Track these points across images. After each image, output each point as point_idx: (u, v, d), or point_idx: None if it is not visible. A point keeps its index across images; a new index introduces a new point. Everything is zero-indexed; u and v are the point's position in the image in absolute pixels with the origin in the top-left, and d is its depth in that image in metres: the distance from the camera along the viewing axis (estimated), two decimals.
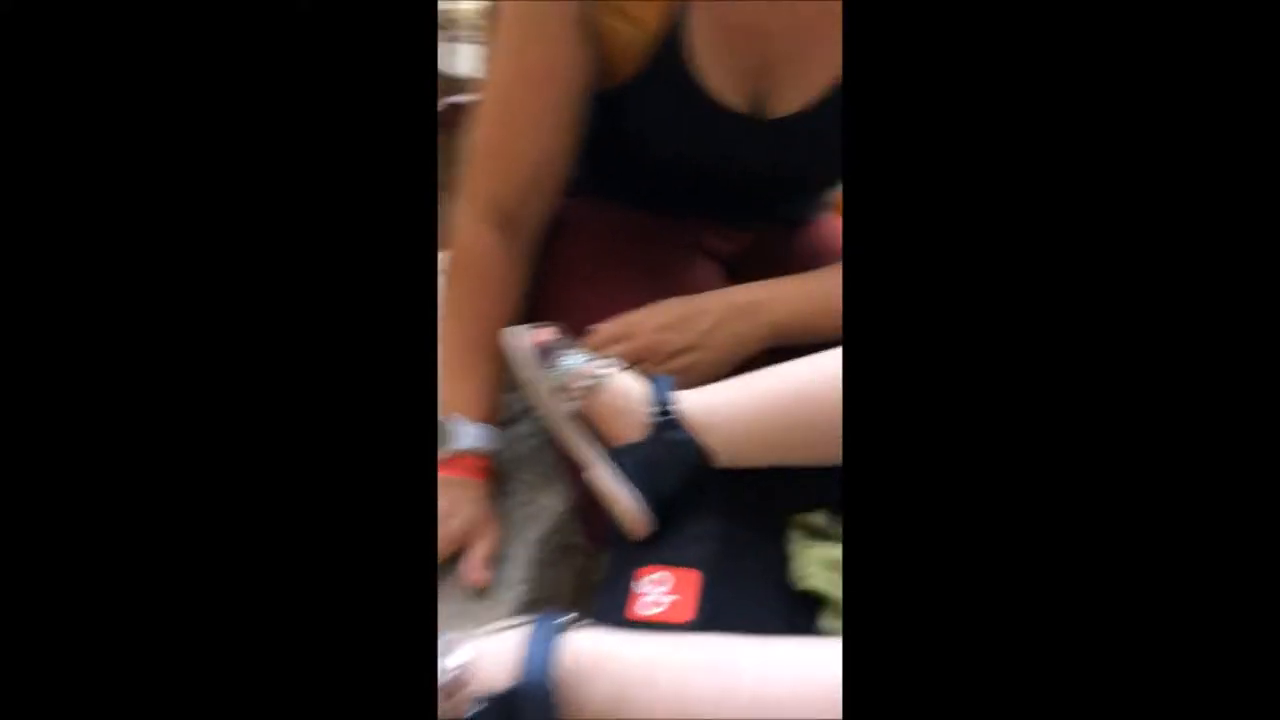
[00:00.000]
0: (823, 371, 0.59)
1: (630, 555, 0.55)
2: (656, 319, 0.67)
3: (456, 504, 0.64)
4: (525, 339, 0.62)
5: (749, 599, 0.53)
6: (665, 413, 0.57)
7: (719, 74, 0.70)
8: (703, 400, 0.59)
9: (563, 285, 0.74)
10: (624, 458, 0.57)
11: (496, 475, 0.70)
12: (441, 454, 0.66)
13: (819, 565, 0.55)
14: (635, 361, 0.66)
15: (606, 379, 0.59)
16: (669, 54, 0.68)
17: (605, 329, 0.67)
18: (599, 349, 0.66)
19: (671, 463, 0.56)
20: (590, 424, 0.58)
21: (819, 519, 0.59)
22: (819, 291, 0.70)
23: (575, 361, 0.59)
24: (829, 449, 0.59)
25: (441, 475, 0.65)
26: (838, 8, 0.68)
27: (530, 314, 0.72)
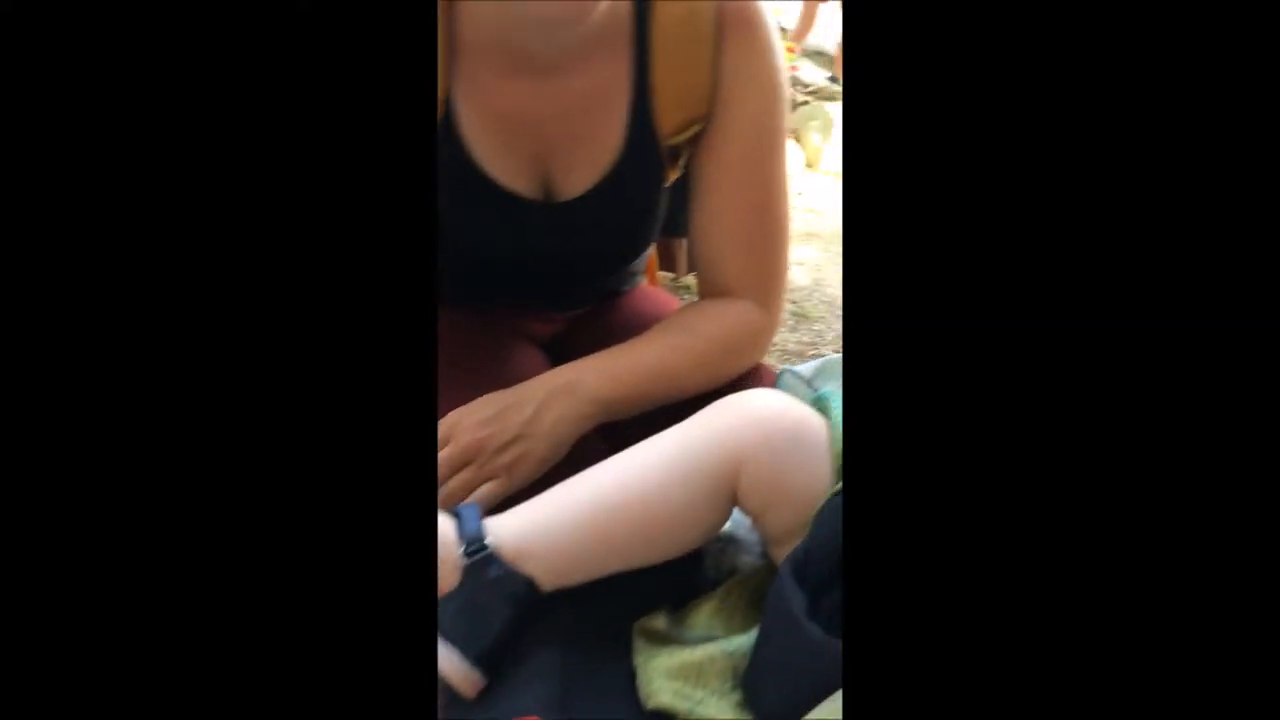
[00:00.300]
0: (636, 466, 0.57)
1: (468, 713, 0.51)
2: (476, 415, 0.64)
3: None
4: None
5: None
6: (478, 549, 0.54)
7: (500, 162, 0.68)
8: (515, 524, 0.56)
9: None
10: (439, 613, 0.53)
11: None
12: None
13: (664, 677, 0.53)
14: (464, 463, 0.62)
15: None
16: (447, 146, 0.66)
17: None
18: None
19: (495, 604, 0.53)
20: None
21: (659, 622, 0.57)
22: (639, 359, 0.69)
23: None
24: (658, 547, 0.57)
25: None
26: (609, 87, 0.67)
27: None
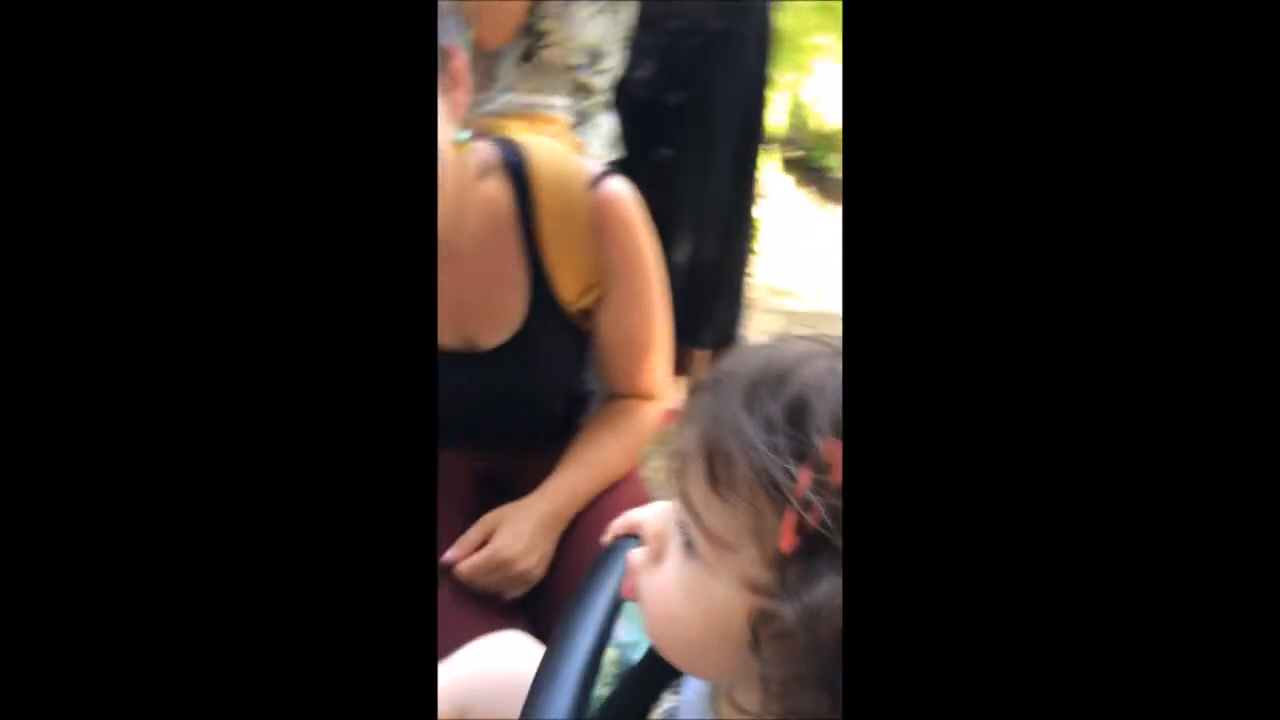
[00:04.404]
0: None
1: None
2: (515, 528, 0.86)
3: None
4: None
5: None
6: None
7: None
8: None
9: None
10: None
11: None
12: None
13: None
14: (493, 567, 0.84)
15: None
16: None
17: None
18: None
19: None
20: None
21: None
22: (585, 473, 0.90)
23: None
24: None
25: None
26: (506, 267, 0.85)
27: None
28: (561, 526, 0.88)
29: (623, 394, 0.95)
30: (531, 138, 0.89)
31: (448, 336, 0.87)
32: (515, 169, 0.84)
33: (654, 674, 0.56)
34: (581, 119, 1.33)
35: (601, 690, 0.58)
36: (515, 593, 0.86)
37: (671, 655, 0.48)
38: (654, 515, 0.50)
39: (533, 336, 0.87)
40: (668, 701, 0.56)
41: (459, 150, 0.78)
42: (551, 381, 0.94)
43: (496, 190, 0.84)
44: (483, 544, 0.86)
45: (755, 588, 0.43)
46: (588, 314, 0.89)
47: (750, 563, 0.43)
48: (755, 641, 0.42)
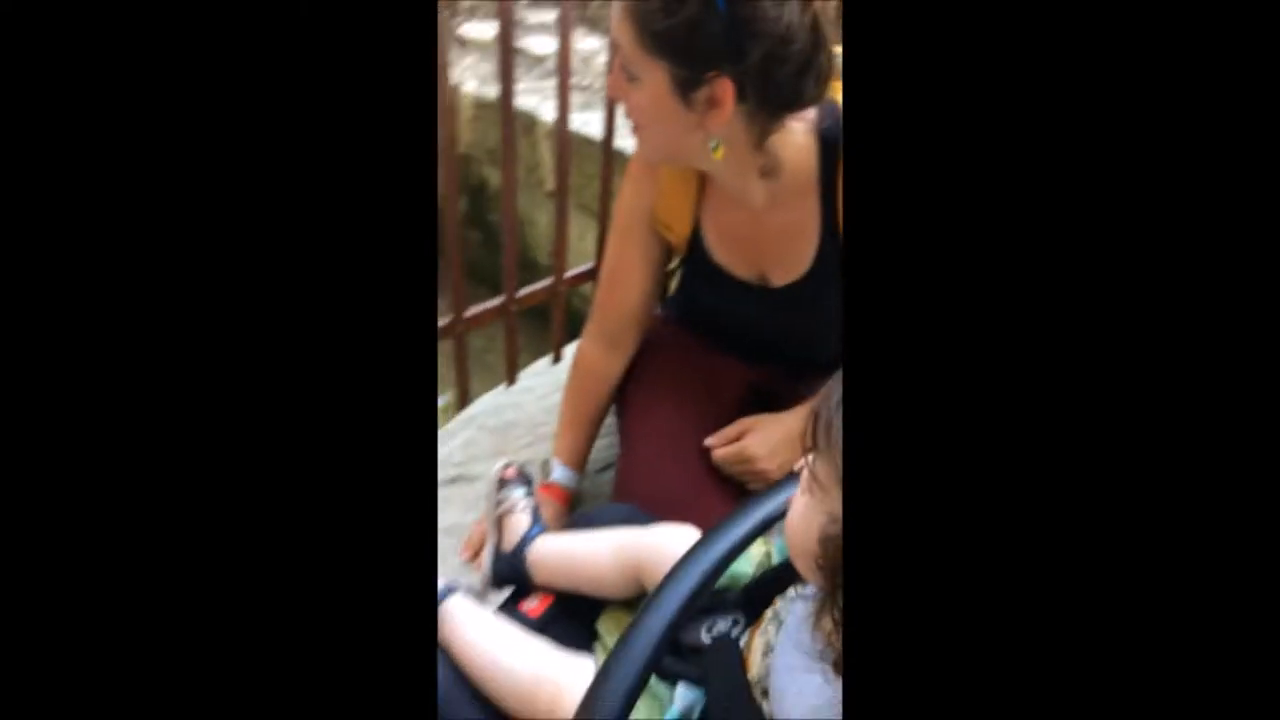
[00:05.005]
0: (614, 542, 0.92)
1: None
2: (761, 435, 1.05)
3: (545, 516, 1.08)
4: (496, 471, 1.09)
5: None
6: (524, 543, 1.00)
7: (729, 259, 1.05)
8: (542, 546, 0.99)
9: (634, 389, 1.14)
10: (497, 555, 1.03)
11: (575, 501, 1.13)
12: (540, 482, 1.11)
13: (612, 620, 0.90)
14: (740, 460, 1.04)
15: (516, 511, 1.03)
16: (697, 247, 1.06)
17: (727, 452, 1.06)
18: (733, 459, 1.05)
19: (510, 574, 1.01)
20: (501, 529, 1.04)
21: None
22: None
23: (510, 494, 1.04)
24: (612, 590, 0.92)
25: (539, 493, 1.09)
26: (802, 221, 0.99)
27: (618, 400, 1.15)
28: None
29: None
30: None
31: (744, 270, 1.05)
32: (828, 131, 0.95)
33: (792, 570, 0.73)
34: None
35: (752, 570, 0.76)
36: (756, 486, 1.04)
37: (791, 556, 0.65)
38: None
39: (816, 283, 1.01)
40: (792, 592, 0.72)
41: (716, 154, 0.90)
42: (826, 322, 1.07)
43: (805, 150, 0.95)
44: (738, 439, 1.05)
45: (834, 520, 0.57)
46: None
47: (836, 501, 0.57)
48: (823, 558, 0.57)
